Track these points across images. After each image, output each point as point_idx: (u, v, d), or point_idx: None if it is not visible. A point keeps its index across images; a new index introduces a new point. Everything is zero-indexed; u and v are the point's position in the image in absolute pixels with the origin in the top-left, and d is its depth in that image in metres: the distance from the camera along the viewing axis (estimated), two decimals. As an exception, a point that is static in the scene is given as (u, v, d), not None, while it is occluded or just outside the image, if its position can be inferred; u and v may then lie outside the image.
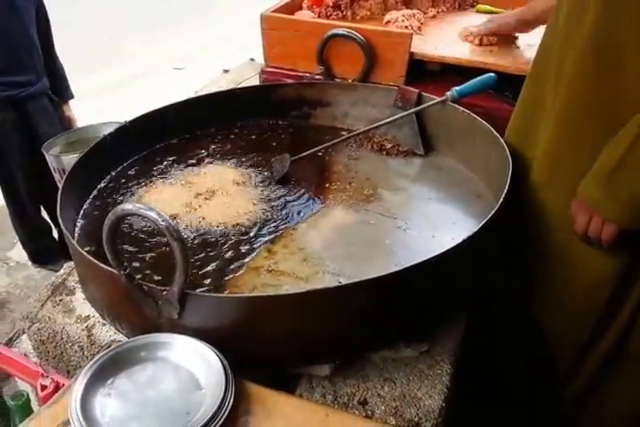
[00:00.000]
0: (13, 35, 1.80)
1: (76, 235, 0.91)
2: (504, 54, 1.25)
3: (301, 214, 0.98)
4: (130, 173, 1.09)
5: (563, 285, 0.92)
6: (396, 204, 1.00)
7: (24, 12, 1.81)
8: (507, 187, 0.84)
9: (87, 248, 0.86)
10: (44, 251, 2.22)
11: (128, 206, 0.65)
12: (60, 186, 0.89)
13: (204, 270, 0.84)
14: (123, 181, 1.06)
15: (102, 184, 1.05)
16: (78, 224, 0.94)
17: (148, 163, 1.12)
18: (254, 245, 0.89)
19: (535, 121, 0.92)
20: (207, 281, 0.82)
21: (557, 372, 1.00)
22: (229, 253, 0.88)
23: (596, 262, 0.85)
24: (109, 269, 0.70)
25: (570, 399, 1.00)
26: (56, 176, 1.26)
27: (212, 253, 0.87)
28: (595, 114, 0.79)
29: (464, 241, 0.73)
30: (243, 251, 0.88)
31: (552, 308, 0.95)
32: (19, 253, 2.24)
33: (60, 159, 1.23)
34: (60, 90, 2.08)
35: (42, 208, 2.19)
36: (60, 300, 0.88)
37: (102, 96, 3.57)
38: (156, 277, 0.82)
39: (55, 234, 2.25)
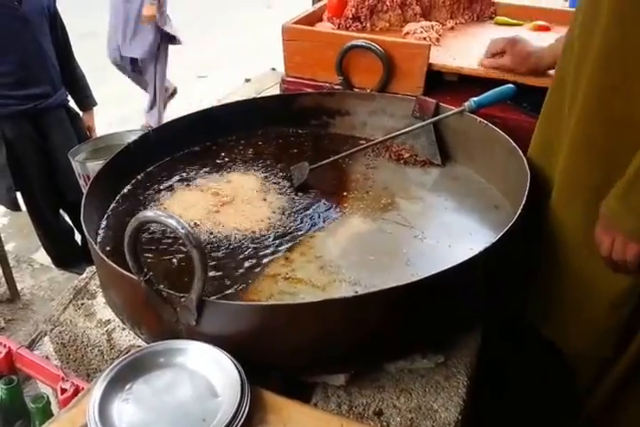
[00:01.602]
0: (26, 49, 1.83)
1: (98, 239, 0.94)
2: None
3: (319, 222, 0.98)
4: (153, 179, 1.11)
5: (581, 303, 0.89)
6: (413, 213, 1.00)
7: (36, 26, 1.85)
8: (524, 198, 0.83)
9: (109, 253, 0.88)
10: (66, 255, 2.27)
11: (149, 213, 0.66)
12: (85, 192, 0.91)
13: (222, 277, 0.85)
14: (145, 187, 1.08)
15: (125, 190, 1.07)
16: (101, 229, 0.97)
17: (170, 169, 1.14)
18: (272, 253, 0.90)
19: (555, 138, 0.90)
20: (225, 288, 0.83)
21: (575, 389, 0.98)
22: (247, 259, 0.89)
23: (614, 281, 0.83)
24: (130, 274, 0.71)
25: (587, 416, 0.98)
26: (81, 182, 1.30)
27: (230, 260, 0.88)
28: (609, 130, 0.77)
29: (482, 252, 0.73)
30: (260, 258, 0.89)
31: (569, 326, 0.93)
32: (43, 256, 2.29)
33: (86, 166, 1.27)
34: (81, 99, 2.13)
35: (63, 213, 2.24)
36: (82, 304, 0.90)
37: (125, 103, 3.65)
38: (176, 284, 0.83)
39: (77, 237, 2.30)
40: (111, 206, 1.03)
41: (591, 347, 0.91)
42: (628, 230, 0.74)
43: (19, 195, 2.05)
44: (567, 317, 0.93)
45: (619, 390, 0.93)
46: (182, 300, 0.69)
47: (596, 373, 0.94)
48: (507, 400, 1.08)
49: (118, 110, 3.25)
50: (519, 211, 0.81)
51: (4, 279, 1.99)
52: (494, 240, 0.75)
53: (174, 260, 0.89)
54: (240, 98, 1.48)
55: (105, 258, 0.76)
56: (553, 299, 0.94)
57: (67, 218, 2.28)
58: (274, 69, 1.93)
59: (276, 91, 1.65)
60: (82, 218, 0.85)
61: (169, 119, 1.15)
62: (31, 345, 0.97)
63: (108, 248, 0.91)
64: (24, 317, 1.96)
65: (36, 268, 2.24)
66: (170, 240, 0.93)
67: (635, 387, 0.91)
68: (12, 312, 1.97)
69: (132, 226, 0.66)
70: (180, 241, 0.90)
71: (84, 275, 0.97)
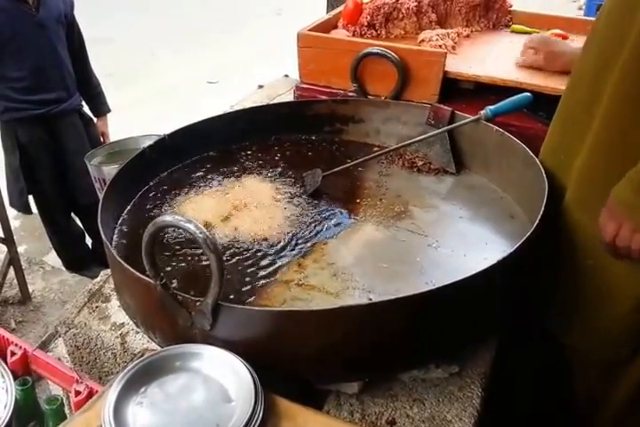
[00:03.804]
0: (42, 54, 1.85)
1: (113, 243, 0.94)
2: (539, 74, 1.25)
3: (332, 229, 0.98)
4: (167, 183, 1.12)
5: (598, 308, 0.89)
6: (427, 221, 1.00)
7: (52, 32, 1.87)
8: (542, 208, 0.82)
9: (123, 256, 0.88)
10: (77, 258, 2.29)
11: (168, 218, 0.66)
12: (102, 195, 0.92)
13: (235, 282, 0.85)
14: (160, 191, 1.09)
15: (141, 194, 1.08)
16: (116, 232, 0.97)
17: (184, 174, 1.15)
18: (285, 259, 0.90)
19: (570, 142, 0.90)
20: (238, 293, 0.83)
21: (585, 401, 0.97)
22: (260, 265, 0.89)
23: (632, 285, 0.83)
24: (146, 278, 0.71)
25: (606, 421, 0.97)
26: (97, 185, 1.31)
27: (243, 266, 0.88)
28: (633, 132, 0.77)
29: (500, 262, 0.72)
30: (274, 264, 0.89)
31: (584, 331, 0.93)
32: (54, 258, 2.31)
33: (101, 169, 1.28)
34: (95, 105, 2.15)
35: (75, 216, 2.26)
36: (97, 306, 0.90)
37: (138, 108, 3.69)
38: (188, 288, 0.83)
39: (88, 241, 2.32)
40: (126, 210, 1.03)
41: (610, 350, 0.91)
42: (638, 219, 0.74)
43: (30, 198, 2.07)
44: (589, 321, 0.92)
45: (632, 401, 0.92)
46: (198, 304, 0.69)
47: (607, 382, 0.93)
48: (516, 411, 1.07)
49: (129, 115, 3.29)
50: (537, 221, 0.80)
51: (15, 281, 2.01)
52: (512, 250, 0.75)
53: (184, 264, 0.89)
54: (253, 104, 1.49)
55: (121, 261, 0.76)
56: (575, 304, 0.93)
57: (78, 221, 2.29)
58: (286, 76, 1.94)
59: (288, 97, 1.66)
60: (99, 221, 0.85)
61: (183, 125, 1.15)
62: (42, 347, 0.98)
63: (122, 252, 0.92)
64: (34, 319, 1.97)
65: (47, 270, 2.25)
66: (181, 244, 0.93)
67: None
68: (22, 314, 1.98)
69: (150, 230, 0.66)
70: (193, 245, 0.91)
71: (99, 278, 0.98)
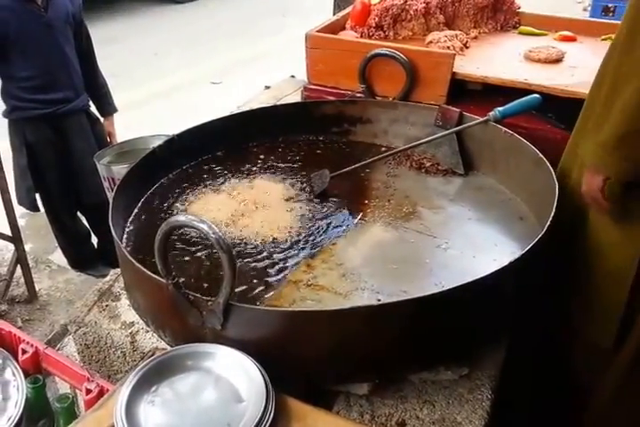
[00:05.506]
0: (49, 54, 1.86)
1: (123, 242, 0.94)
2: (548, 75, 1.24)
3: (340, 230, 0.98)
4: (176, 183, 1.12)
5: (589, 280, 0.92)
6: (435, 222, 1.00)
7: (60, 32, 1.87)
8: (553, 210, 0.82)
9: (133, 255, 0.89)
10: (83, 257, 2.29)
11: (181, 218, 0.67)
12: (112, 195, 0.93)
13: (244, 282, 0.85)
14: (169, 190, 1.10)
15: (150, 193, 1.08)
16: (126, 231, 0.98)
17: (193, 174, 1.15)
18: (294, 259, 0.90)
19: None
20: (247, 293, 0.83)
21: (580, 384, 0.98)
22: (269, 265, 0.89)
23: (615, 253, 0.88)
24: (157, 277, 0.72)
25: (595, 412, 0.98)
26: (106, 184, 1.32)
27: (252, 265, 0.89)
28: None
29: (510, 264, 0.72)
30: (282, 264, 0.89)
31: (580, 307, 0.95)
32: (60, 257, 2.31)
33: (111, 169, 1.29)
34: (102, 105, 2.16)
35: (81, 215, 2.26)
36: (107, 305, 0.91)
37: (142, 108, 3.70)
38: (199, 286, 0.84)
39: (94, 240, 2.32)
40: (136, 209, 1.04)
41: (596, 331, 0.94)
42: (592, 160, 0.83)
43: (37, 196, 2.08)
44: (579, 297, 0.95)
45: (623, 384, 0.93)
46: (209, 304, 0.69)
47: (600, 365, 0.95)
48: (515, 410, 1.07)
49: (134, 116, 3.30)
50: (547, 224, 0.80)
51: (22, 280, 2.02)
52: (523, 252, 0.75)
53: (195, 263, 0.89)
54: (259, 105, 1.49)
55: (133, 260, 0.76)
56: (569, 280, 0.96)
57: (84, 220, 2.30)
58: (293, 77, 1.94)
59: (295, 98, 1.66)
60: (110, 220, 0.85)
61: (191, 125, 1.16)
62: (48, 344, 0.98)
63: (132, 251, 0.92)
64: (41, 317, 1.98)
65: (53, 269, 2.26)
66: (193, 244, 0.94)
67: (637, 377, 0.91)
68: (29, 313, 1.99)
69: (164, 230, 0.67)
70: (195, 244, 0.91)
71: (108, 277, 0.98)
